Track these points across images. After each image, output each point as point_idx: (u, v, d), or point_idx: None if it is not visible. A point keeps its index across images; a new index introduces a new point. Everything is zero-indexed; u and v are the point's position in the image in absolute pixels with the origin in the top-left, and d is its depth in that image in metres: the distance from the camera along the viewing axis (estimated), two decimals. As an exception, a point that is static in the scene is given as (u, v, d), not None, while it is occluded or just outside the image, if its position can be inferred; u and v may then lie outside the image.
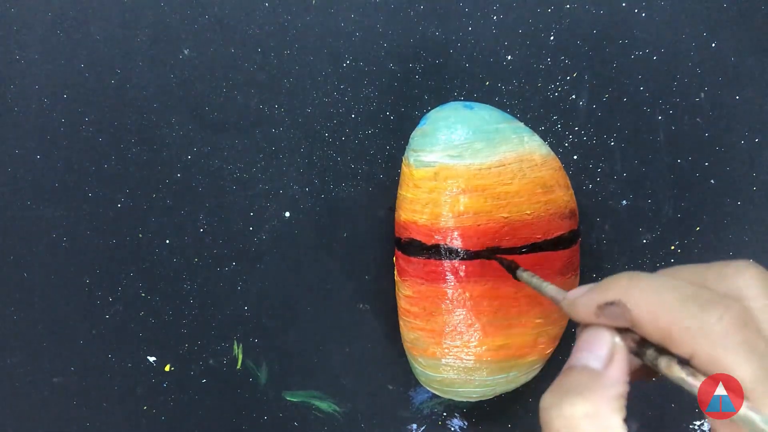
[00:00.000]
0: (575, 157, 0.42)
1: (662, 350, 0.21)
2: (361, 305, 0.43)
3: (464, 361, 0.37)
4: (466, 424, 0.44)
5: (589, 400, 0.22)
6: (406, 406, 0.44)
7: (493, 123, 0.37)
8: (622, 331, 0.23)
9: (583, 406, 0.21)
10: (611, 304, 0.22)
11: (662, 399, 0.42)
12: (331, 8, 0.42)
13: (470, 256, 0.36)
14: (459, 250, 0.36)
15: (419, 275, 0.37)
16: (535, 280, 0.31)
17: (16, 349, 0.44)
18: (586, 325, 0.24)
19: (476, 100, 0.42)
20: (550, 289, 0.29)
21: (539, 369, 0.39)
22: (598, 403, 0.22)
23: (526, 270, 0.33)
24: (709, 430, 0.42)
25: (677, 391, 0.43)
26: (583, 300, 0.24)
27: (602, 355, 0.23)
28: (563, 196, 0.37)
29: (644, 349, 0.22)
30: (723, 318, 0.20)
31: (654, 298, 0.21)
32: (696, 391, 0.20)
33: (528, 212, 0.36)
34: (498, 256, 0.36)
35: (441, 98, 0.42)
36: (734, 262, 0.22)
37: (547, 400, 0.22)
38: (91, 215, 0.43)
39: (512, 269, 0.34)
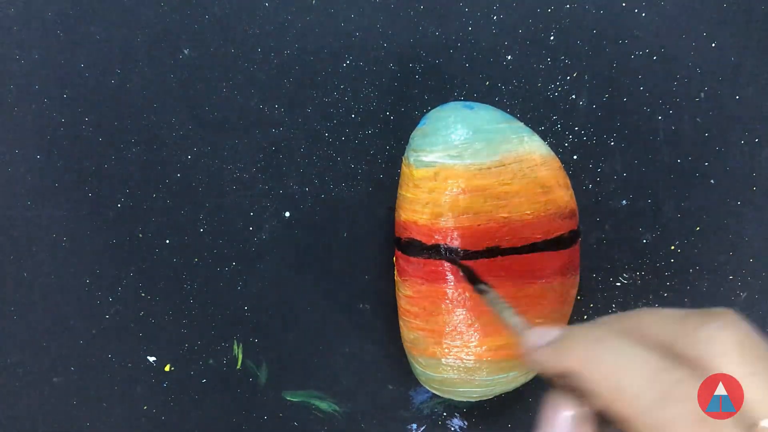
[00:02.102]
0: (575, 157, 0.42)
1: None
2: (361, 305, 0.43)
3: (464, 361, 0.37)
4: (466, 424, 0.44)
5: None
6: (406, 406, 0.44)
7: (493, 123, 0.37)
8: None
9: None
10: (562, 373, 0.22)
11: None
12: (331, 8, 0.42)
13: (470, 256, 0.36)
14: (459, 250, 0.36)
15: (419, 275, 0.37)
16: (498, 305, 0.29)
17: (16, 349, 0.44)
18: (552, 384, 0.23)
19: (476, 100, 0.42)
20: (512, 319, 0.27)
21: (539, 369, 0.39)
22: None
23: (491, 289, 0.32)
24: None
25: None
26: (541, 359, 0.23)
27: (564, 429, 0.22)
28: (563, 196, 0.37)
29: (608, 422, 0.21)
30: (680, 416, 0.19)
31: (614, 379, 0.20)
32: None
33: (528, 212, 0.36)
34: (462, 263, 0.36)
35: (441, 98, 0.42)
36: (712, 318, 0.20)
37: None
38: (91, 215, 0.43)
39: (473, 281, 0.33)
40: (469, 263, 0.36)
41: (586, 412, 0.22)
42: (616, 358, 0.20)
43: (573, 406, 0.22)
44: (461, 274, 0.35)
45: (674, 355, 0.20)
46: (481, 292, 0.32)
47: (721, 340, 0.20)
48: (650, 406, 0.19)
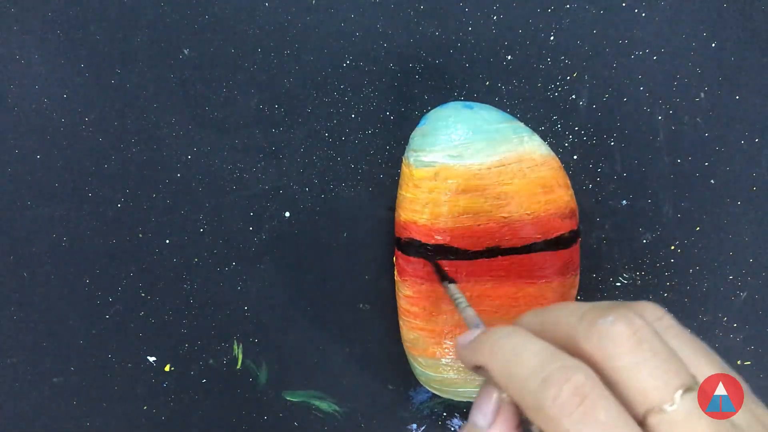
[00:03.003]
0: (575, 157, 0.42)
1: None
2: (361, 305, 0.43)
3: (464, 361, 0.37)
4: (466, 424, 0.44)
5: None
6: (406, 406, 0.44)
7: (493, 123, 0.37)
8: None
9: None
10: (481, 367, 0.23)
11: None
12: (331, 8, 0.42)
13: (470, 256, 0.36)
14: (459, 250, 0.36)
15: (419, 275, 0.37)
16: (458, 299, 0.32)
17: (16, 349, 0.44)
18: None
19: (476, 100, 0.42)
20: (467, 313, 0.30)
21: (539, 369, 0.39)
22: None
23: (455, 286, 0.34)
24: None
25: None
26: (463, 355, 0.25)
27: (488, 412, 0.23)
28: (563, 196, 0.37)
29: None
30: (559, 395, 0.20)
31: (507, 369, 0.22)
32: None
33: (528, 212, 0.36)
34: (437, 261, 0.36)
35: (441, 98, 0.42)
36: (608, 313, 0.21)
37: None
38: (91, 215, 0.43)
39: (442, 279, 0.35)
40: (468, 263, 0.36)
41: (507, 398, 0.24)
42: (512, 351, 0.22)
43: (499, 392, 0.24)
44: (435, 272, 0.36)
45: (573, 348, 0.22)
46: (445, 288, 0.34)
47: (610, 334, 0.21)
48: (533, 390, 0.21)
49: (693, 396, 0.20)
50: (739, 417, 0.20)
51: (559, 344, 0.22)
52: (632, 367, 0.20)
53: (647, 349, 0.20)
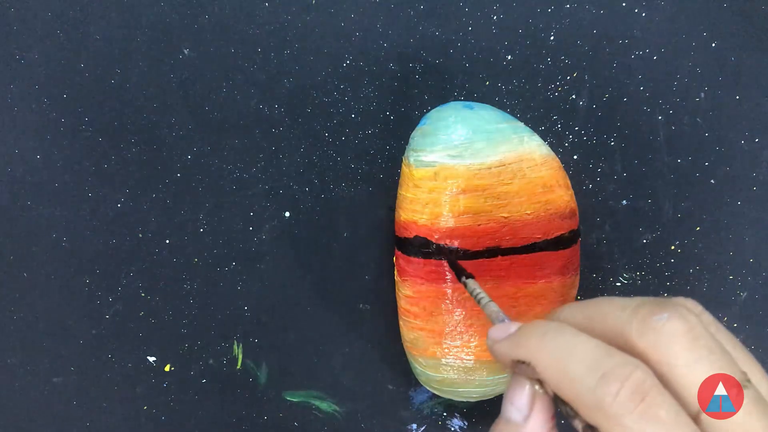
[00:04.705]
0: (575, 157, 0.42)
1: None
2: (361, 305, 0.43)
3: (464, 361, 0.37)
4: (466, 424, 0.44)
5: None
6: (406, 406, 0.44)
7: (493, 123, 0.37)
8: None
9: None
10: (523, 362, 0.23)
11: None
12: (331, 8, 0.42)
13: (470, 256, 0.36)
14: (459, 250, 0.36)
15: (419, 275, 0.37)
16: (478, 294, 0.31)
17: (16, 349, 0.44)
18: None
19: (476, 100, 0.42)
20: (490, 308, 0.29)
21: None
22: None
23: (474, 281, 0.33)
24: None
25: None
26: (499, 350, 0.24)
27: (523, 405, 0.23)
28: (563, 196, 0.37)
29: (562, 402, 0.22)
30: (620, 393, 0.20)
31: (559, 365, 0.21)
32: None
33: (528, 212, 0.36)
34: (454, 259, 0.36)
35: (441, 98, 0.42)
36: (661, 309, 0.21)
37: None
38: (91, 215, 0.43)
39: (459, 275, 0.35)
40: (468, 263, 0.36)
41: (541, 392, 0.23)
42: (561, 347, 0.22)
43: (532, 384, 0.23)
44: (452, 269, 0.36)
45: (624, 343, 0.21)
46: (464, 284, 0.34)
47: (666, 331, 0.21)
48: (590, 387, 0.20)
49: (746, 392, 0.20)
50: None
51: (607, 340, 0.22)
52: (689, 364, 0.20)
53: (703, 347, 0.20)
